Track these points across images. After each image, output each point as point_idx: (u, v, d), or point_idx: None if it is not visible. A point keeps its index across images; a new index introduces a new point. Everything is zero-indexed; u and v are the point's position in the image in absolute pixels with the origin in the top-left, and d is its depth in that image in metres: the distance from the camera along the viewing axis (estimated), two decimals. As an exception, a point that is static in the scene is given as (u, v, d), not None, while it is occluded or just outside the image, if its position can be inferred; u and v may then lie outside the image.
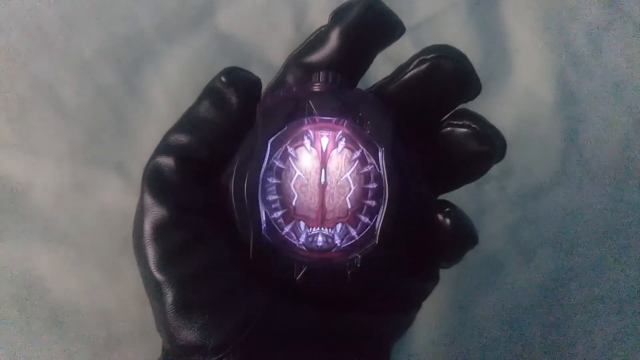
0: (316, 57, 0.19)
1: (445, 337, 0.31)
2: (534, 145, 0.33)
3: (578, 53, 0.34)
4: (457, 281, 0.31)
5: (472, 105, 0.20)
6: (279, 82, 0.21)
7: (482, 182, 0.32)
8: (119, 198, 0.29)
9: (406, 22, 0.20)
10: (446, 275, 0.23)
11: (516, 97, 0.33)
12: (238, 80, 0.20)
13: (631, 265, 0.32)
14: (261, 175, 0.18)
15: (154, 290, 0.18)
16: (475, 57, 0.34)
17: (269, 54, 0.32)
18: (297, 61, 0.20)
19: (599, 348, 0.31)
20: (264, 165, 0.18)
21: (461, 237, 0.19)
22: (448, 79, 0.18)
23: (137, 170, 0.20)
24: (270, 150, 0.18)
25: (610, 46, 0.35)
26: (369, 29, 0.19)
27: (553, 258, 0.32)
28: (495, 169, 0.32)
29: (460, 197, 0.21)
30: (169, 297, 0.18)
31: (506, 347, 0.31)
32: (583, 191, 0.33)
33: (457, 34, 0.33)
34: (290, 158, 0.19)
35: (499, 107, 0.33)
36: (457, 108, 0.19)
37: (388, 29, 0.19)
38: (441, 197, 0.21)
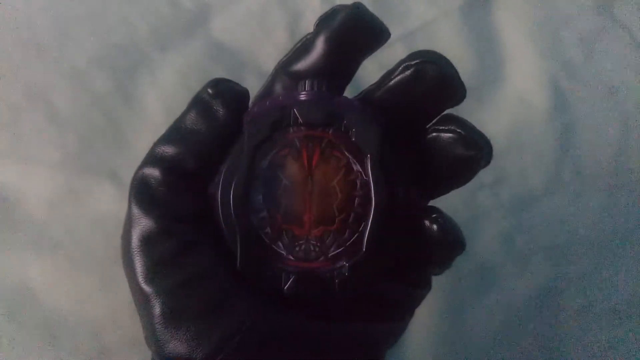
0: (303, 64, 0.19)
1: (438, 344, 0.31)
2: (528, 152, 0.33)
3: (571, 60, 0.35)
4: (450, 288, 0.31)
5: (466, 112, 0.20)
6: (268, 90, 0.21)
7: (476, 189, 0.32)
8: (112, 206, 0.29)
9: (399, 30, 0.20)
10: (439, 282, 0.23)
11: (509, 103, 0.34)
12: (225, 92, 0.20)
13: (625, 273, 0.33)
14: (248, 185, 0.18)
15: (142, 301, 0.18)
16: (468, 64, 0.34)
17: (263, 61, 0.32)
18: (285, 69, 0.20)
19: (592, 355, 0.31)
20: (251, 174, 0.18)
21: (449, 243, 0.19)
22: (432, 83, 0.18)
23: (130, 178, 0.20)
24: (256, 160, 0.18)
25: (602, 53, 0.35)
26: (354, 35, 0.19)
27: (547, 265, 0.32)
28: (488, 177, 0.32)
29: (453, 204, 0.21)
30: (157, 308, 0.18)
31: (499, 354, 0.31)
32: (576, 198, 0.33)
33: (451, 41, 0.34)
34: (276, 167, 0.19)
35: (492, 113, 0.33)
36: (443, 114, 0.19)
37: (373, 34, 0.19)
38: (432, 202, 0.21)
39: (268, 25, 0.32)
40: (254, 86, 0.21)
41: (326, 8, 0.32)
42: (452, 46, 0.33)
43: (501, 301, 0.31)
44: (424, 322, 0.30)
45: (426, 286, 0.21)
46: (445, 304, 0.31)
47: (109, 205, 0.29)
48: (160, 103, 0.31)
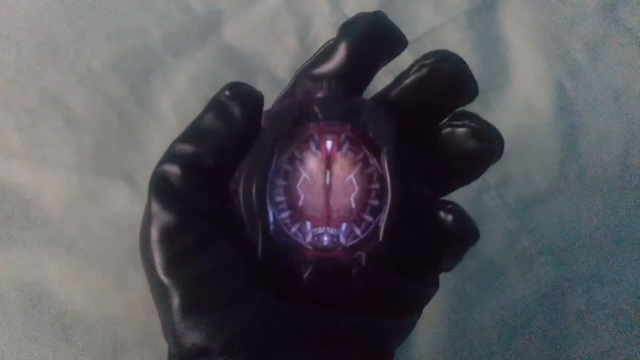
0: (324, 68, 0.20)
1: (444, 344, 0.31)
2: (533, 154, 0.33)
3: (575, 63, 0.35)
4: (456, 288, 0.31)
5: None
6: (289, 94, 0.21)
7: (482, 191, 0.33)
8: (126, 207, 0.29)
9: (408, 36, 0.21)
10: (445, 282, 0.23)
11: (515, 107, 0.34)
12: (241, 94, 0.20)
13: (629, 274, 0.33)
14: (269, 178, 0.19)
15: (161, 294, 0.19)
16: (474, 69, 0.35)
17: (273, 66, 0.33)
18: (307, 73, 0.21)
19: (596, 356, 0.32)
20: (272, 167, 0.19)
21: (463, 232, 0.19)
22: (447, 81, 0.19)
23: (144, 180, 0.21)
24: (277, 154, 0.19)
25: (607, 56, 0.35)
26: (375, 41, 0.20)
27: (551, 266, 0.32)
28: (494, 178, 0.33)
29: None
30: (176, 300, 0.18)
31: (504, 354, 0.31)
32: (581, 200, 0.33)
33: (457, 47, 0.34)
34: (296, 160, 0.19)
35: (498, 117, 0.34)
36: (456, 111, 0.20)
37: (392, 42, 0.20)
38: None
39: (278, 30, 0.33)
40: (264, 90, 0.21)
41: (335, 14, 0.34)
42: (459, 51, 0.33)
43: (506, 301, 0.31)
44: (431, 321, 0.30)
45: (434, 285, 0.22)
46: (451, 304, 0.31)
47: (123, 206, 0.29)
48: (173, 106, 0.31)
